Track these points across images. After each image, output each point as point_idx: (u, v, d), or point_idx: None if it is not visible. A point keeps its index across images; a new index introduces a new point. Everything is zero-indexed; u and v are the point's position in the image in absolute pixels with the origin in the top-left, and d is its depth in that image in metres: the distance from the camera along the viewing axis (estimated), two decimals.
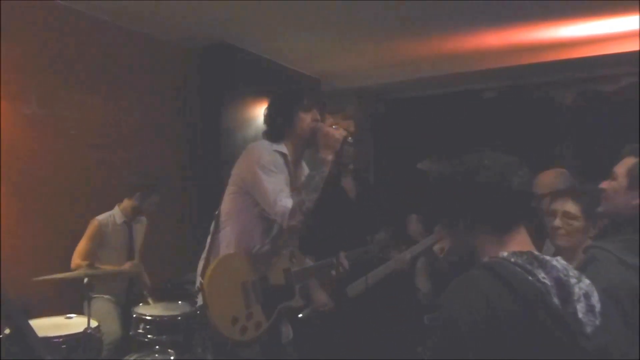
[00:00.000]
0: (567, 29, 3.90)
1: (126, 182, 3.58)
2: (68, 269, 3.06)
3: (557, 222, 2.04)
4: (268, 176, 2.04)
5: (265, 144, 2.16)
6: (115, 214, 3.45)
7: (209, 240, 2.22)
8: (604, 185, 1.66)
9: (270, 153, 2.10)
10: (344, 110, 5.36)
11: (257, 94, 4.70)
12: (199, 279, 2.13)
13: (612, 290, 1.35)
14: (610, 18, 3.67)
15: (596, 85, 4.40)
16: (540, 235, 2.20)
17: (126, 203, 3.48)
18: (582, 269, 1.46)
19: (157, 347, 3.05)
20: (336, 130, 2.11)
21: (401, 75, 4.97)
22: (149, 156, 4.14)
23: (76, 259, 3.20)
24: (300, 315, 2.65)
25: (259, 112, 4.73)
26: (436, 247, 2.89)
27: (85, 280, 2.72)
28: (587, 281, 1.12)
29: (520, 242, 1.18)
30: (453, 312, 1.06)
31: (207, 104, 4.42)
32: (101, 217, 3.37)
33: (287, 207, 1.99)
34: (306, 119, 2.17)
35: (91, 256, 3.22)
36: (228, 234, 2.16)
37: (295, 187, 2.15)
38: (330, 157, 2.07)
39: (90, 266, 2.83)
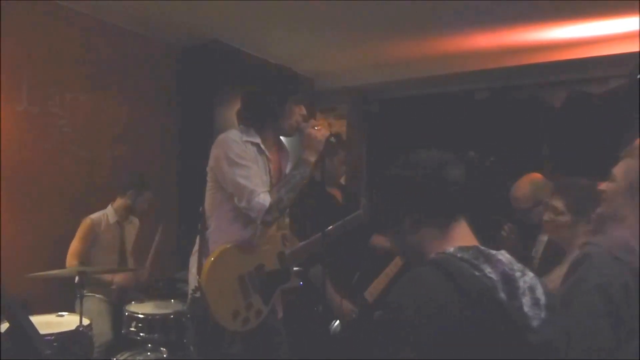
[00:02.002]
0: (556, 30, 3.93)
1: (118, 181, 3.56)
2: (58, 267, 3.04)
3: (546, 216, 2.12)
4: (239, 170, 1.99)
5: (235, 134, 2.08)
6: (108, 213, 3.43)
7: (198, 237, 2.20)
8: (603, 186, 1.68)
9: (240, 144, 2.04)
10: (336, 109, 5.40)
11: None
12: (194, 278, 2.12)
13: (605, 287, 1.38)
14: (600, 20, 3.71)
15: (585, 87, 4.44)
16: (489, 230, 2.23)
17: (119, 202, 3.46)
18: (577, 265, 1.48)
19: (149, 345, 3.05)
20: (318, 131, 2.08)
21: (394, 75, 4.98)
22: (140, 155, 4.14)
23: (71, 260, 3.18)
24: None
25: None
26: None
27: (77, 279, 2.72)
28: (531, 274, 1.12)
29: (464, 236, 1.18)
30: (400, 307, 1.04)
31: (200, 102, 4.41)
32: (94, 216, 3.35)
33: (264, 205, 1.96)
34: (295, 112, 2.13)
35: (85, 256, 3.21)
36: (214, 231, 2.14)
37: (274, 179, 2.14)
38: (312, 159, 2.06)
39: (82, 265, 2.82)
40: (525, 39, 4.14)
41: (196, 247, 2.19)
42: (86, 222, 3.31)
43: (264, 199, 1.97)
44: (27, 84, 3.39)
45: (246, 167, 2.01)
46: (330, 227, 2.45)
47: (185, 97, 4.46)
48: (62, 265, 3.14)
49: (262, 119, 2.13)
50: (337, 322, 2.74)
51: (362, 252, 2.86)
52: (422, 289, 1.05)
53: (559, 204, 2.06)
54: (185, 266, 3.65)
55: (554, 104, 4.55)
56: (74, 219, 3.41)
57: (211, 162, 2.13)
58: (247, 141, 2.08)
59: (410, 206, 1.20)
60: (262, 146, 2.12)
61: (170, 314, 3.07)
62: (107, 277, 3.27)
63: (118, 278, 3.28)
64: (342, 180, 3.20)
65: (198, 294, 2.08)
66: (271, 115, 2.11)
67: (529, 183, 2.61)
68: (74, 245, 3.24)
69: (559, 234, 2.09)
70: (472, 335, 1.00)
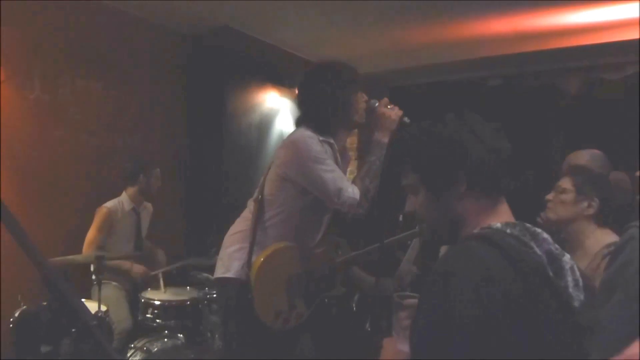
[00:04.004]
0: (572, 15, 3.87)
1: (125, 172, 3.52)
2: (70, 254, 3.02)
3: (550, 195, 2.09)
4: (324, 166, 1.94)
5: (311, 134, 2.01)
6: (123, 201, 3.40)
7: (248, 220, 2.12)
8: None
9: (318, 143, 1.99)
10: None
11: (261, 80, 4.67)
12: (229, 258, 2.09)
13: None
14: (616, 4, 3.65)
15: (601, 74, 4.38)
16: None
17: (132, 189, 3.44)
18: (621, 248, 1.45)
19: (165, 332, 3.04)
20: (392, 111, 2.01)
21: (406, 62, 4.94)
22: (152, 142, 4.11)
23: (88, 249, 3.15)
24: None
25: (263, 97, 4.72)
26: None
27: (95, 265, 2.72)
28: (568, 255, 1.08)
29: (507, 212, 1.14)
30: (455, 284, 0.96)
31: (211, 90, 4.39)
32: (110, 204, 3.32)
33: (355, 198, 1.91)
34: (360, 101, 2.06)
35: (102, 244, 3.19)
36: (274, 219, 2.07)
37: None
38: (386, 140, 1.98)
39: (99, 254, 2.79)
40: (539, 24, 4.07)
41: (238, 229, 2.15)
42: (102, 210, 3.27)
43: (354, 192, 1.92)
44: (38, 72, 3.36)
45: (328, 163, 1.96)
46: (388, 240, 2.36)
47: (196, 84, 4.43)
48: (70, 252, 3.11)
49: (333, 122, 2.05)
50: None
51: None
52: (474, 262, 0.99)
53: (566, 183, 2.03)
54: (195, 254, 3.67)
55: (569, 91, 4.50)
56: (86, 207, 3.40)
57: (283, 160, 2.05)
58: (323, 141, 2.02)
59: (469, 170, 1.10)
60: (336, 147, 2.08)
61: (187, 300, 3.08)
62: (125, 266, 3.25)
63: (136, 270, 3.26)
64: None
65: (230, 275, 2.07)
66: (342, 115, 2.03)
67: (589, 155, 2.53)
68: (91, 234, 3.21)
69: (559, 212, 2.04)
70: (525, 310, 0.96)
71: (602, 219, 1.97)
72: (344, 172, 2.19)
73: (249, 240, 2.07)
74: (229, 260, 2.09)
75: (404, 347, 1.16)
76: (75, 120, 3.59)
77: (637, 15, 3.79)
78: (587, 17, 3.88)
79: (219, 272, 2.13)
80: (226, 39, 4.33)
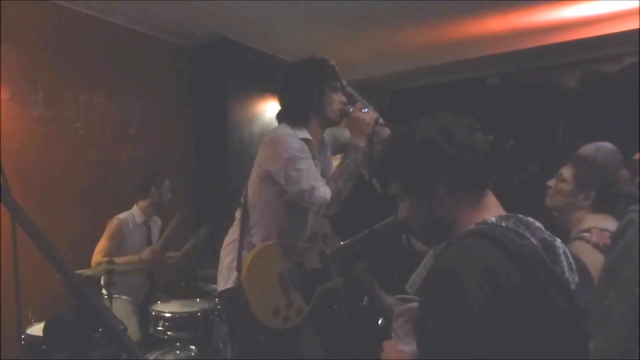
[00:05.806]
0: (566, 10, 3.88)
1: (135, 185, 3.51)
2: (75, 268, 2.98)
3: (551, 182, 2.10)
4: (299, 165, 1.94)
5: (289, 131, 2.01)
6: (134, 213, 3.41)
7: (237, 228, 2.13)
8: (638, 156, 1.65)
9: (296, 139, 1.98)
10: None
11: (260, 90, 4.69)
12: (227, 271, 2.08)
13: None
14: None
15: (599, 67, 4.39)
16: None
17: (144, 203, 3.44)
18: (621, 232, 1.46)
19: (177, 344, 3.03)
20: (366, 114, 2.01)
21: (404, 66, 4.96)
22: (156, 155, 4.13)
23: (97, 258, 3.14)
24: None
25: (264, 108, 4.74)
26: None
27: (103, 279, 2.71)
28: (559, 240, 1.08)
29: (496, 205, 1.14)
30: (460, 284, 0.96)
31: (212, 100, 4.42)
32: (121, 216, 3.33)
33: (325, 199, 1.91)
34: (335, 100, 2.07)
35: (112, 255, 3.19)
36: (260, 224, 2.07)
37: (326, 175, 2.09)
38: (362, 144, 1.98)
39: (108, 263, 2.79)
40: (534, 21, 4.09)
41: (230, 239, 2.14)
42: (114, 222, 3.28)
43: (325, 192, 1.92)
44: (42, 89, 3.39)
45: (305, 162, 1.96)
46: (377, 225, 2.33)
47: (198, 95, 4.46)
48: (78, 266, 3.09)
49: (306, 114, 2.06)
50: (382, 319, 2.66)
51: (398, 248, 2.79)
52: (476, 259, 0.98)
53: (567, 172, 2.04)
54: (205, 266, 3.67)
55: (568, 85, 4.51)
56: (91, 222, 3.41)
57: (263, 158, 2.05)
58: (301, 139, 2.01)
59: (447, 171, 1.11)
60: (314, 142, 2.07)
61: (197, 312, 3.06)
62: (134, 258, 3.23)
63: (144, 255, 3.25)
64: None
65: (230, 286, 2.06)
66: (314, 107, 2.05)
67: (595, 146, 2.52)
68: (102, 244, 3.21)
69: (555, 201, 2.06)
70: (529, 299, 0.97)
71: (599, 207, 1.97)
72: (327, 167, 2.21)
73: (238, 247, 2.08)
74: (228, 272, 2.08)
75: (405, 348, 1.18)
76: (79, 136, 3.62)
77: (633, 7, 3.81)
78: (582, 10, 3.90)
79: (221, 286, 2.11)
80: (225, 51, 4.36)
